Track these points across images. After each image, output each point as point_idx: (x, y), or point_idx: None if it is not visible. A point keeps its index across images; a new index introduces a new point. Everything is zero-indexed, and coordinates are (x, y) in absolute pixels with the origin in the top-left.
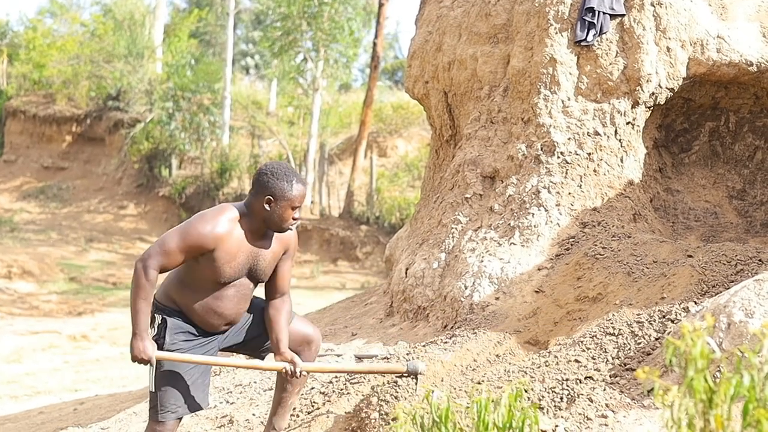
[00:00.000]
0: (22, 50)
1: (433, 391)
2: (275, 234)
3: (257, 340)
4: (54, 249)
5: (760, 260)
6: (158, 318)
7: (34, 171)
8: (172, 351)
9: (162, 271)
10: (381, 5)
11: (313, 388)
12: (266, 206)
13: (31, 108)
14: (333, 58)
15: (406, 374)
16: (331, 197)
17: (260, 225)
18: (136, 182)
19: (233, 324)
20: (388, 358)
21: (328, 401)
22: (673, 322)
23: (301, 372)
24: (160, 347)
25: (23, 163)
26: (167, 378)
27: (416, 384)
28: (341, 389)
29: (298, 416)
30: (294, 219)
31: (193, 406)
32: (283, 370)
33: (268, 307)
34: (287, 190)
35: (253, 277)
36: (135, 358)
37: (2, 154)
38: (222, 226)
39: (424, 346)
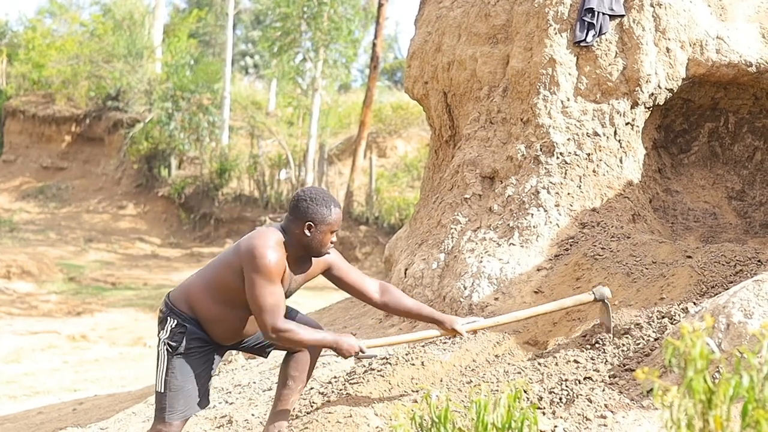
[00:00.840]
0: (21, 50)
1: (431, 392)
2: (311, 258)
3: (260, 344)
4: (53, 249)
5: (759, 261)
6: (172, 321)
7: (34, 171)
8: (185, 355)
9: (282, 314)
10: (380, 6)
11: (312, 389)
12: (306, 232)
13: (31, 108)
14: (332, 59)
15: (594, 301)
16: None
17: (299, 249)
18: (135, 182)
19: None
20: (387, 358)
21: (328, 401)
22: (672, 322)
23: (468, 331)
24: (173, 350)
25: (22, 163)
26: (178, 379)
27: (608, 308)
28: (340, 390)
29: (297, 416)
30: (332, 243)
31: (198, 407)
32: (460, 334)
33: (384, 302)
34: (327, 216)
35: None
36: (349, 354)
37: (1, 154)
38: (279, 251)
39: (423, 346)
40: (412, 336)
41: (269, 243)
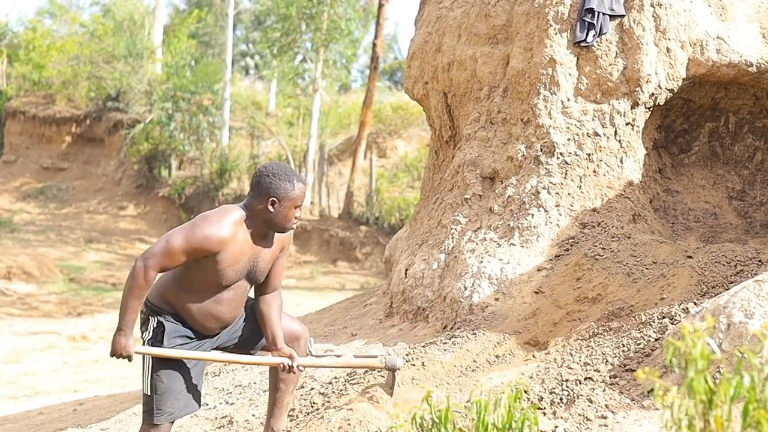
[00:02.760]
0: (21, 51)
1: (432, 392)
2: (275, 234)
3: (249, 340)
4: (53, 250)
5: (759, 261)
6: (153, 321)
7: (34, 172)
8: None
9: (161, 271)
10: (381, 6)
11: (312, 389)
12: (270, 207)
13: (31, 109)
14: (332, 59)
15: (383, 369)
16: (331, 198)
17: (262, 226)
18: (135, 183)
19: (227, 326)
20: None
21: (328, 402)
22: (672, 322)
23: (298, 367)
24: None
25: (23, 164)
26: (164, 381)
27: (394, 380)
28: (341, 390)
29: (296, 417)
30: (296, 218)
31: (187, 409)
32: (281, 365)
33: (260, 303)
34: (290, 191)
35: (252, 278)
36: (115, 353)
37: (2, 155)
38: (227, 229)
39: (423, 346)
40: (227, 357)
41: (222, 220)
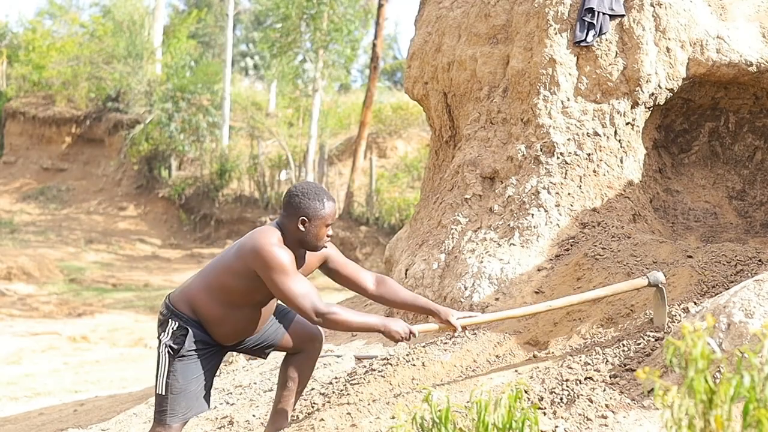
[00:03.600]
0: (21, 51)
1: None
2: (307, 252)
3: (259, 345)
4: (53, 250)
5: (759, 260)
6: (174, 324)
7: (34, 172)
8: (186, 357)
9: (317, 298)
10: (380, 6)
11: (313, 389)
12: (301, 227)
13: (31, 109)
14: (332, 59)
15: (648, 287)
16: None
17: (295, 245)
18: (135, 183)
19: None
20: (388, 359)
21: (328, 402)
22: (673, 322)
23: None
24: (175, 352)
25: (23, 165)
26: (179, 382)
27: (664, 294)
28: (341, 390)
29: (297, 417)
30: (328, 236)
31: (199, 409)
32: (454, 329)
33: (383, 294)
34: (320, 209)
35: None
36: (399, 338)
37: (2, 156)
38: (284, 247)
39: (424, 346)
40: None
41: (273, 240)
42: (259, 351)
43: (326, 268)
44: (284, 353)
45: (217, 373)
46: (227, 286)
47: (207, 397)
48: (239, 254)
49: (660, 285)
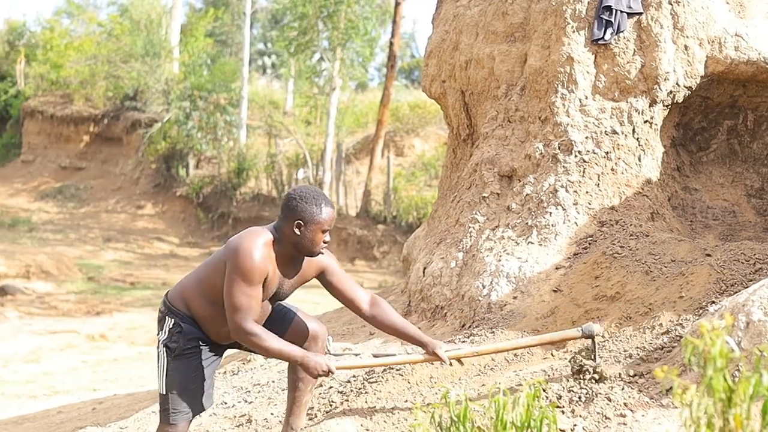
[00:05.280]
0: (39, 51)
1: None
2: (305, 258)
3: None
4: (72, 249)
5: None
6: (170, 321)
7: (52, 171)
8: (184, 356)
9: (254, 317)
10: (397, 4)
11: (331, 387)
12: (296, 231)
13: (49, 108)
14: (349, 58)
15: (581, 338)
16: (348, 197)
17: (290, 249)
18: (153, 182)
19: None
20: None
21: (347, 401)
22: (691, 321)
23: (450, 361)
24: (172, 351)
25: (41, 164)
26: (179, 380)
27: (595, 347)
28: (359, 389)
29: (315, 416)
30: (324, 242)
31: (202, 407)
32: (440, 360)
33: (376, 318)
34: (316, 214)
35: (275, 298)
36: (317, 374)
37: (20, 155)
38: (265, 253)
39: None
40: (386, 360)
41: (256, 244)
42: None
43: (324, 279)
44: None
45: (236, 372)
46: (214, 284)
47: (210, 396)
48: (224, 251)
49: (594, 336)
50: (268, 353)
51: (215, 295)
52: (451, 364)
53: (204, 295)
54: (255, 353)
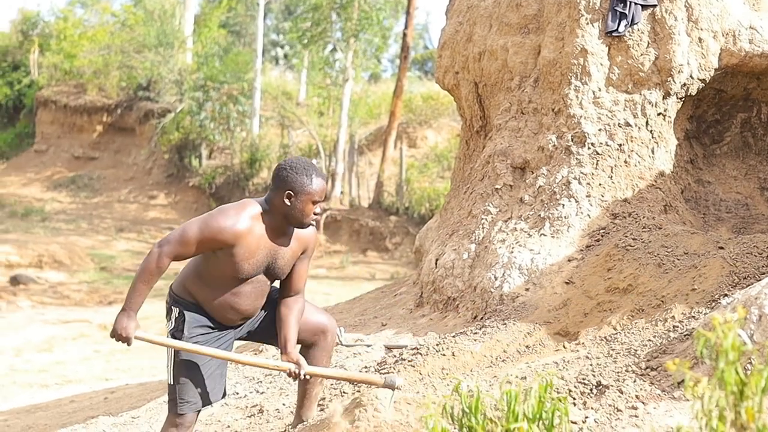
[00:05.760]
0: (53, 40)
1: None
2: (295, 232)
3: (271, 330)
4: (84, 238)
5: None
6: (175, 311)
7: (65, 161)
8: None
9: (176, 259)
10: None
11: None
12: (286, 201)
13: (62, 98)
14: (362, 49)
15: (383, 387)
16: (361, 188)
17: (281, 221)
18: (166, 172)
19: (249, 318)
20: (418, 349)
21: (358, 391)
22: (704, 313)
23: (305, 375)
24: (178, 340)
25: (54, 153)
26: (186, 371)
27: (391, 398)
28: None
29: (327, 407)
30: (315, 214)
31: (211, 398)
32: (288, 371)
33: (280, 305)
34: (307, 184)
35: (271, 274)
36: (115, 334)
37: (33, 144)
38: (243, 222)
39: (453, 336)
40: (235, 357)
41: (234, 212)
42: (272, 340)
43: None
44: (299, 346)
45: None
46: (204, 263)
47: (220, 387)
48: None
49: (394, 389)
50: (136, 278)
51: (210, 276)
52: (297, 378)
53: (202, 278)
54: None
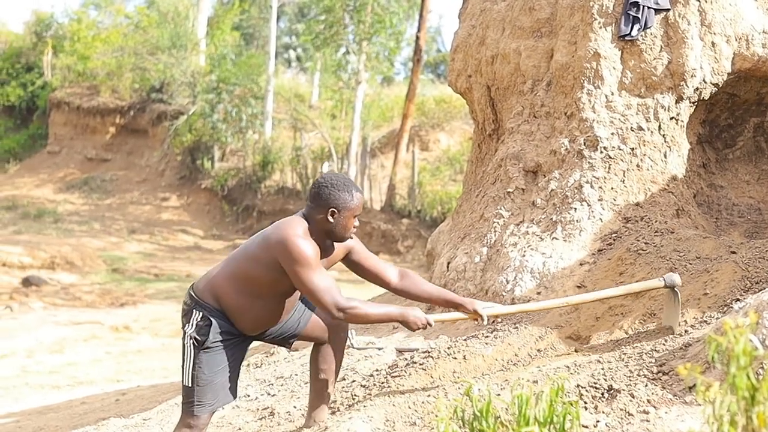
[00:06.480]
0: (66, 42)
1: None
2: (333, 243)
3: (283, 335)
4: (96, 240)
5: None
6: (197, 315)
7: (78, 162)
8: (211, 349)
9: (338, 292)
10: None
11: (354, 381)
12: (330, 218)
13: (75, 99)
14: (375, 52)
15: (664, 288)
16: (373, 190)
17: (322, 236)
18: (178, 174)
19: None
20: (429, 352)
21: (369, 395)
22: (715, 318)
23: (489, 318)
24: (200, 344)
25: (67, 155)
26: (206, 373)
27: (678, 298)
28: (382, 383)
29: (338, 410)
30: (354, 227)
31: (226, 399)
32: (479, 317)
33: (407, 288)
34: (349, 201)
35: None
36: (416, 327)
37: (46, 146)
38: (310, 240)
39: (465, 339)
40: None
41: (299, 232)
42: (283, 341)
43: (348, 260)
44: (310, 344)
45: (259, 365)
46: (251, 276)
47: (234, 388)
48: (265, 245)
49: (675, 288)
50: (371, 320)
51: (251, 287)
52: (492, 322)
53: (238, 288)
54: (304, 339)
